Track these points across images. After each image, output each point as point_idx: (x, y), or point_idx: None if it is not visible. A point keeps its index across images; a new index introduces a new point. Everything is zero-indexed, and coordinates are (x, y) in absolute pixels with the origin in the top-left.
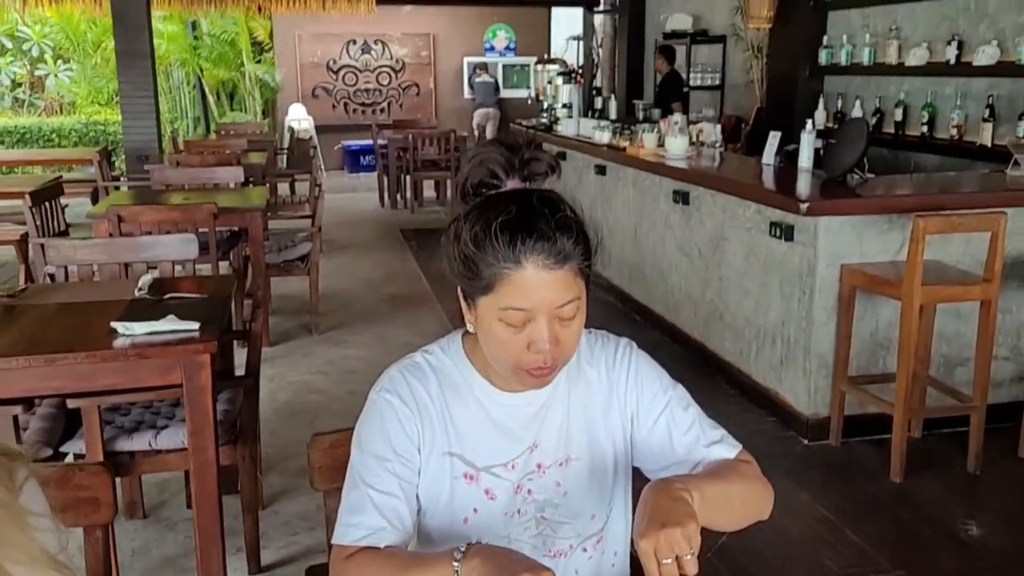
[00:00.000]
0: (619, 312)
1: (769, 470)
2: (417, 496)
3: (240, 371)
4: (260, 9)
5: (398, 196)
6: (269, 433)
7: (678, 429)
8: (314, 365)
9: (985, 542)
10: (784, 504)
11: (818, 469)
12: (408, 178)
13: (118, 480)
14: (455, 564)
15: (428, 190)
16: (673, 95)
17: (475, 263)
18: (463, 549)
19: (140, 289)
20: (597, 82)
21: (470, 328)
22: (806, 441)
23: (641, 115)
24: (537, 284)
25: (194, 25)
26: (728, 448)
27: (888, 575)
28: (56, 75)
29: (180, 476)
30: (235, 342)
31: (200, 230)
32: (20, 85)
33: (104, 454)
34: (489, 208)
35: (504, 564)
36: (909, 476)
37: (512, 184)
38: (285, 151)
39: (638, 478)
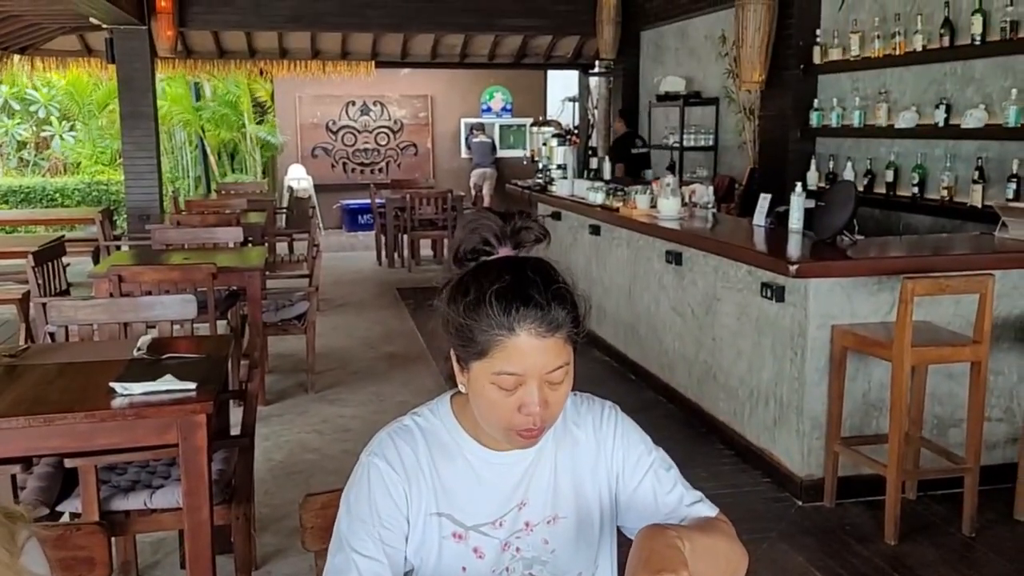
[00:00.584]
0: (614, 371)
1: (764, 531)
2: (406, 557)
3: (236, 430)
4: (262, 72)
5: (395, 255)
6: (264, 493)
7: (662, 488)
8: (309, 424)
9: None
10: (779, 567)
11: (812, 531)
12: (405, 237)
13: (113, 539)
14: None
15: (425, 249)
16: (619, 156)
17: (470, 329)
18: None
19: (139, 349)
20: (592, 142)
21: (462, 389)
22: (800, 502)
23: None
24: (529, 351)
25: (197, 87)
26: (709, 508)
27: None
28: (61, 136)
29: (175, 536)
30: (232, 401)
31: (199, 289)
32: (26, 146)
33: (100, 513)
34: (483, 276)
35: None
36: (904, 538)
37: (504, 251)
38: (284, 210)
39: (622, 539)
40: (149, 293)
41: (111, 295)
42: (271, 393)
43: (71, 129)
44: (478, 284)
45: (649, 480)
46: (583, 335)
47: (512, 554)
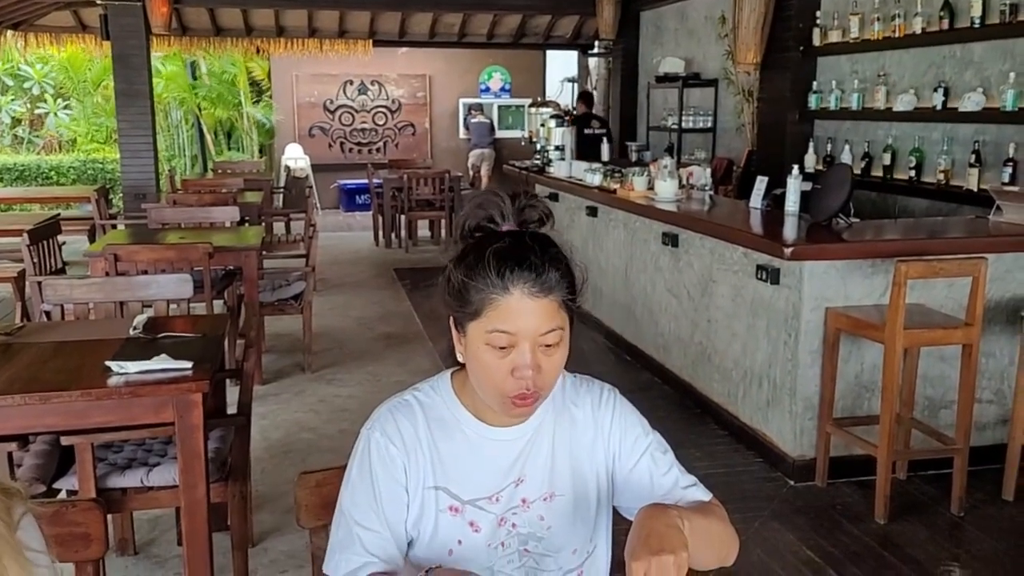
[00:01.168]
0: (610, 352)
1: (756, 511)
2: (406, 529)
3: (233, 409)
4: (259, 50)
5: (393, 235)
6: (260, 471)
7: (658, 470)
8: (306, 403)
9: None
10: (770, 545)
11: (804, 510)
12: (403, 217)
13: (110, 516)
14: None
15: (423, 229)
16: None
17: (467, 289)
18: (422, 574)
19: (135, 328)
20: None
21: (460, 358)
22: (792, 482)
23: (634, 157)
24: (522, 311)
25: (193, 65)
26: (703, 492)
27: None
28: (56, 113)
29: (172, 513)
30: (228, 380)
31: (195, 269)
32: (20, 123)
33: (96, 491)
34: (485, 241)
35: None
36: (894, 518)
37: (508, 228)
38: (281, 190)
39: (617, 518)
40: (145, 272)
41: (107, 274)
42: (268, 373)
43: (66, 107)
44: (479, 248)
45: (645, 462)
46: (578, 303)
47: (508, 529)
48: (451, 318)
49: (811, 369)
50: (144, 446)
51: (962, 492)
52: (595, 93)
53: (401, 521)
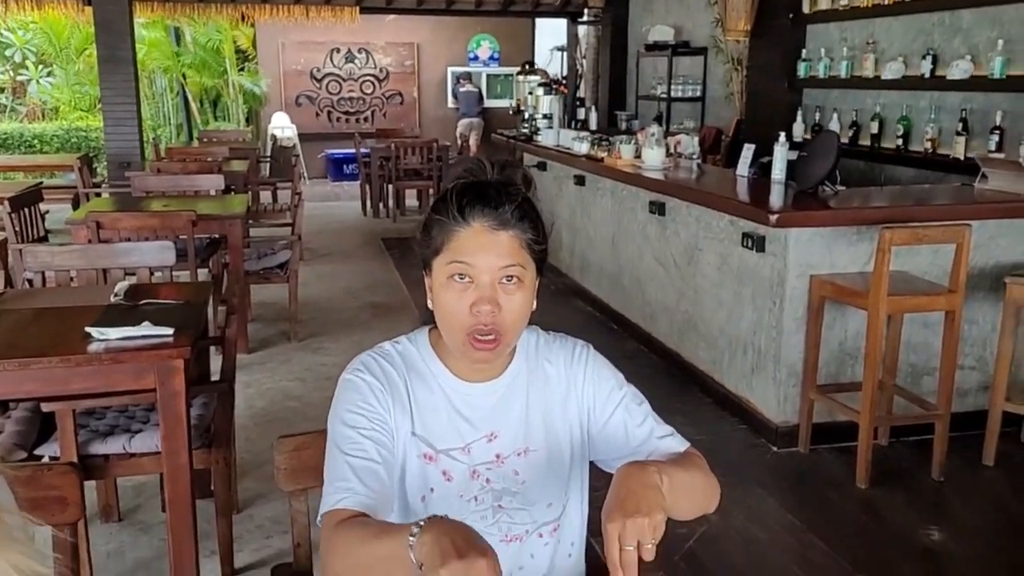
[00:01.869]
0: (597, 321)
1: (739, 477)
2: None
3: (217, 377)
4: (244, 17)
5: (380, 205)
6: (245, 439)
7: (633, 421)
8: (292, 372)
9: (947, 548)
10: (753, 511)
11: (787, 476)
12: (391, 187)
13: (94, 483)
14: (411, 538)
15: (410, 199)
16: None
17: (431, 226)
18: (421, 523)
19: (116, 295)
20: (580, 92)
21: (429, 304)
22: (776, 448)
23: (623, 126)
24: (481, 243)
25: (177, 32)
26: (680, 442)
27: None
28: (38, 81)
29: (156, 479)
30: (213, 348)
31: (179, 237)
32: (2, 91)
33: (78, 457)
34: (454, 180)
35: (457, 541)
36: (875, 483)
37: None
38: (268, 159)
39: (595, 473)
40: (128, 240)
41: (89, 242)
42: (254, 341)
43: (48, 74)
44: (446, 188)
45: (620, 413)
46: (544, 248)
47: (482, 484)
48: (423, 265)
49: (795, 336)
50: (127, 413)
51: (943, 458)
52: (584, 63)
53: (390, 450)
